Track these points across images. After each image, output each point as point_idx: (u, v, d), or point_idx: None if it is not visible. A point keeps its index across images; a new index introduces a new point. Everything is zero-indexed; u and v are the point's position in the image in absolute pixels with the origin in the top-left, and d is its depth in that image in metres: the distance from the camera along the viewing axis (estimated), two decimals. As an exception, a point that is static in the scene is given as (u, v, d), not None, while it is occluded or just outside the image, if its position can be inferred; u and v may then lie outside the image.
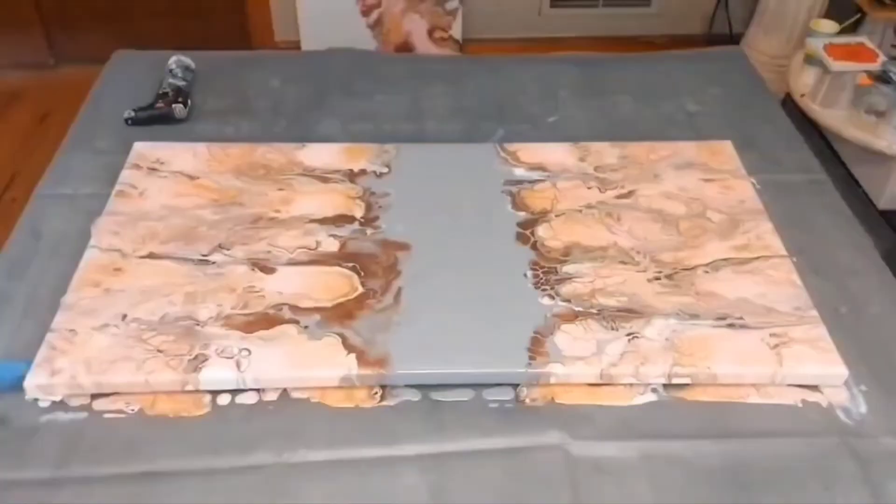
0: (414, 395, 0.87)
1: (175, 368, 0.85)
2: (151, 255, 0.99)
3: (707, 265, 1.00)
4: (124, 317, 0.91)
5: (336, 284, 0.96)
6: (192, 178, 1.11)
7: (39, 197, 1.12)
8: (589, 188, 1.12)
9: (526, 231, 1.04)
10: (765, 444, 0.83)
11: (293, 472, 0.80)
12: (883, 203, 1.65)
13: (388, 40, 2.45)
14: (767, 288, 0.97)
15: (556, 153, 1.18)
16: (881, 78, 1.71)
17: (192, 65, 1.35)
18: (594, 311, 0.93)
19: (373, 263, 0.99)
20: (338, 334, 0.89)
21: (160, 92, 1.27)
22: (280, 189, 1.10)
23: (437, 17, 2.44)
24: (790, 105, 1.85)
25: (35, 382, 0.84)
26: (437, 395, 0.87)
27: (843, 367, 0.88)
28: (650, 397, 0.87)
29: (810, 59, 1.80)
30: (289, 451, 0.81)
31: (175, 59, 1.34)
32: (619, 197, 1.10)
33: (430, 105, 1.32)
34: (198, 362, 0.86)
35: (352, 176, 1.13)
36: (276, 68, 1.40)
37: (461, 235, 1.04)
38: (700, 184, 1.13)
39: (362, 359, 0.87)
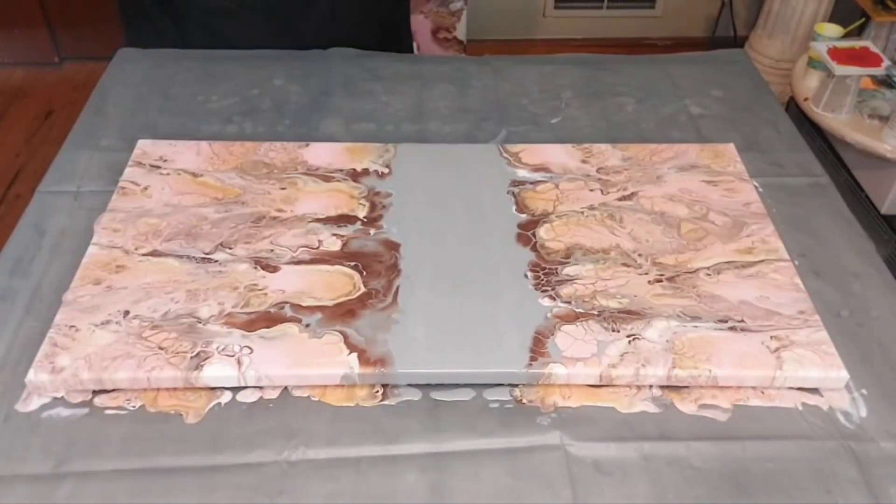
0: (414, 395, 0.87)
1: (176, 366, 0.85)
2: (153, 253, 0.99)
3: (709, 268, 1.00)
4: (126, 314, 0.91)
5: (338, 283, 0.96)
6: (194, 175, 1.11)
7: (42, 194, 1.12)
8: (591, 190, 1.12)
9: (527, 232, 1.05)
10: (765, 447, 0.83)
11: (293, 470, 0.80)
12: (886, 208, 1.65)
13: (391, 41, 2.45)
14: (770, 291, 0.97)
15: (558, 154, 1.18)
16: (885, 82, 1.72)
17: None
18: (595, 312, 0.93)
19: (375, 263, 0.99)
20: (339, 333, 0.90)
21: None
22: (283, 188, 1.10)
23: (442, 18, 2.44)
24: (794, 108, 1.85)
25: (36, 378, 0.84)
26: (438, 395, 0.87)
27: (844, 371, 0.88)
28: (650, 399, 0.88)
29: (814, 63, 1.80)
30: (289, 449, 0.82)
31: None
32: (622, 199, 1.10)
33: (433, 106, 1.33)
34: (199, 360, 0.86)
35: (354, 175, 1.13)
36: (279, 67, 1.40)
37: (462, 236, 1.04)
38: (703, 186, 1.13)
39: (363, 357, 0.87)
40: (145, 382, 0.85)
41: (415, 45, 2.07)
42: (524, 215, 1.07)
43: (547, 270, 0.99)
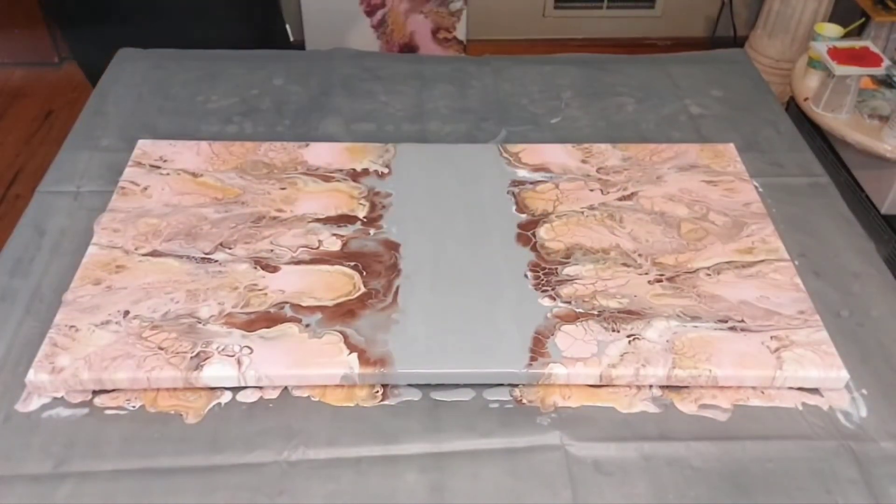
0: (414, 395, 0.87)
1: (176, 366, 0.85)
2: (153, 253, 0.99)
3: (709, 268, 1.00)
4: (126, 314, 0.91)
5: (338, 283, 0.96)
6: (194, 175, 1.11)
7: (42, 194, 1.12)
8: (591, 190, 1.12)
9: (527, 232, 1.05)
10: (765, 447, 0.83)
11: (293, 470, 0.80)
12: (886, 208, 1.65)
13: (391, 40, 2.46)
14: (770, 291, 0.97)
15: (558, 154, 1.18)
16: (885, 82, 1.72)
17: None
18: (595, 312, 0.93)
19: (375, 263, 0.99)
20: (339, 333, 0.90)
21: None
22: (283, 188, 1.10)
23: (441, 18, 2.45)
24: (794, 108, 1.84)
25: (36, 378, 0.84)
26: (438, 395, 0.87)
27: (844, 371, 0.88)
28: (650, 399, 0.88)
29: (814, 63, 1.80)
30: (289, 449, 0.81)
31: None
32: (622, 199, 1.10)
33: (433, 106, 1.33)
34: (199, 360, 0.86)
35: (354, 175, 1.13)
36: (279, 67, 1.40)
37: (462, 236, 1.04)
38: (703, 186, 1.13)
39: (363, 358, 0.87)
40: (145, 382, 0.85)
41: (289, 28, 2.06)
42: (524, 215, 1.07)
43: (547, 270, 0.99)
